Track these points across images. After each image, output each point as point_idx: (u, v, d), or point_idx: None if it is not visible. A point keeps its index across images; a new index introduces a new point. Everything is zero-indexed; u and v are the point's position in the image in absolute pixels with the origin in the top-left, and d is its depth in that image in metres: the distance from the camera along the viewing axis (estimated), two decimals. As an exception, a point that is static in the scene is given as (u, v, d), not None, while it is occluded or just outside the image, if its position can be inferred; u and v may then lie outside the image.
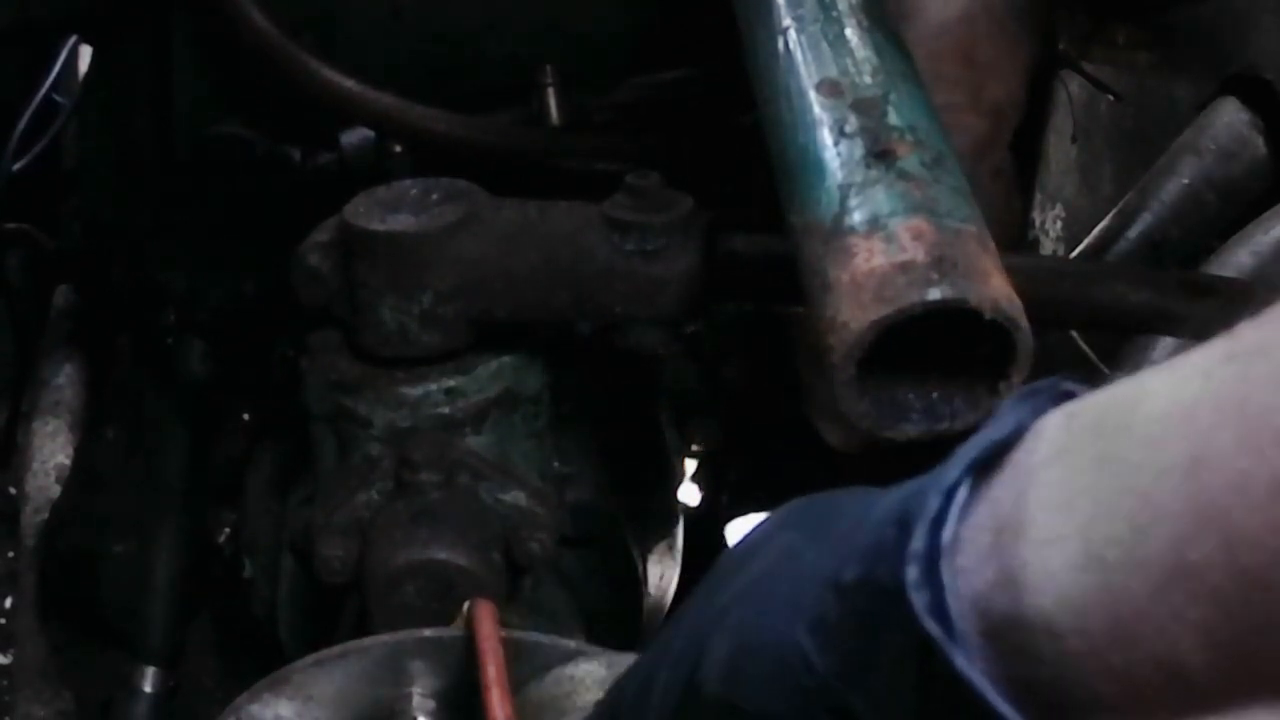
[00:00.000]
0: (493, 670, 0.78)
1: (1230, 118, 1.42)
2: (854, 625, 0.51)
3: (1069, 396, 0.49)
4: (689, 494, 1.40)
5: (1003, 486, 0.48)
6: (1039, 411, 0.49)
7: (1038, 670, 0.45)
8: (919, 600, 0.47)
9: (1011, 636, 0.45)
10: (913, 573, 0.47)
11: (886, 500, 0.53)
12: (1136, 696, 0.43)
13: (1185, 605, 0.41)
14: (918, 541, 0.48)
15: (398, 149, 1.18)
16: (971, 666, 0.46)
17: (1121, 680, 0.43)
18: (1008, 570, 0.46)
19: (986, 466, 0.49)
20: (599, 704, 0.71)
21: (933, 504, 0.48)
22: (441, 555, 0.97)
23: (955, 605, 0.47)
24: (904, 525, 0.49)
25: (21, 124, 1.56)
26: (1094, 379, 0.49)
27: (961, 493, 0.48)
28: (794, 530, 0.60)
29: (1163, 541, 0.42)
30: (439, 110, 1.16)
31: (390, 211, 1.01)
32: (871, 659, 0.50)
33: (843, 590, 0.52)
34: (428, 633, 0.86)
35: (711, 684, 0.57)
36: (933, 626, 0.46)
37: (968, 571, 0.47)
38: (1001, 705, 0.45)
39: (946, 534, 0.48)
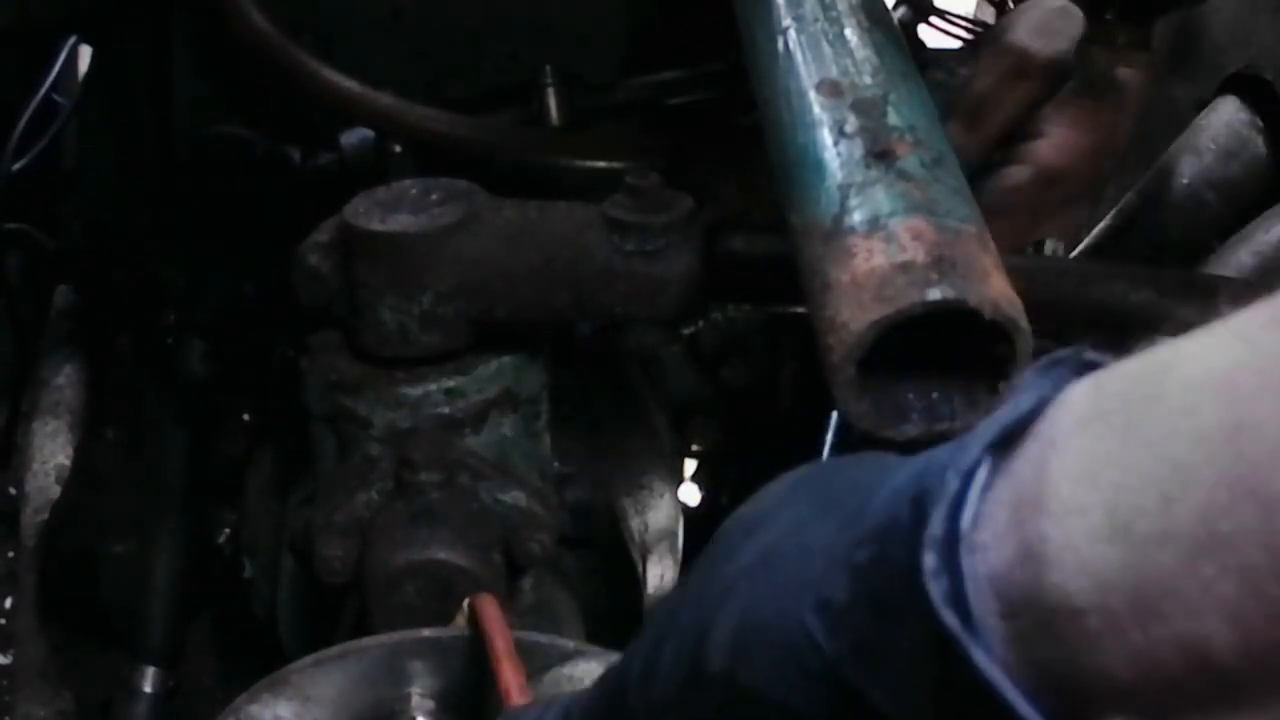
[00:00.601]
0: (501, 644, 0.78)
1: (1230, 118, 1.42)
2: (867, 609, 0.49)
3: (1093, 367, 0.47)
4: (689, 494, 1.40)
5: (1023, 459, 0.45)
6: (1062, 383, 0.46)
7: (1057, 653, 0.43)
8: (936, 589, 0.45)
9: (1030, 616, 0.43)
10: (930, 560, 0.45)
11: (900, 474, 0.50)
12: (1158, 685, 0.41)
13: (1215, 580, 0.39)
14: (935, 526, 0.45)
15: (398, 149, 1.18)
16: (990, 662, 0.44)
17: (1143, 664, 0.41)
18: (1026, 545, 0.43)
19: (1007, 442, 0.46)
20: (603, 678, 0.68)
21: (951, 485, 0.46)
22: (441, 555, 0.97)
23: (973, 588, 0.44)
24: (919, 505, 0.47)
25: (21, 124, 1.56)
26: (1117, 351, 0.48)
27: (982, 473, 0.46)
28: (801, 501, 0.57)
29: (1194, 512, 0.39)
30: (439, 110, 1.16)
31: (390, 212, 1.01)
32: (887, 645, 0.48)
33: (856, 571, 0.50)
34: (427, 633, 0.86)
35: (716, 661, 0.55)
36: (950, 618, 0.44)
37: (985, 549, 0.45)
38: (1022, 705, 0.43)
39: (966, 518, 0.45)
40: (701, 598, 0.59)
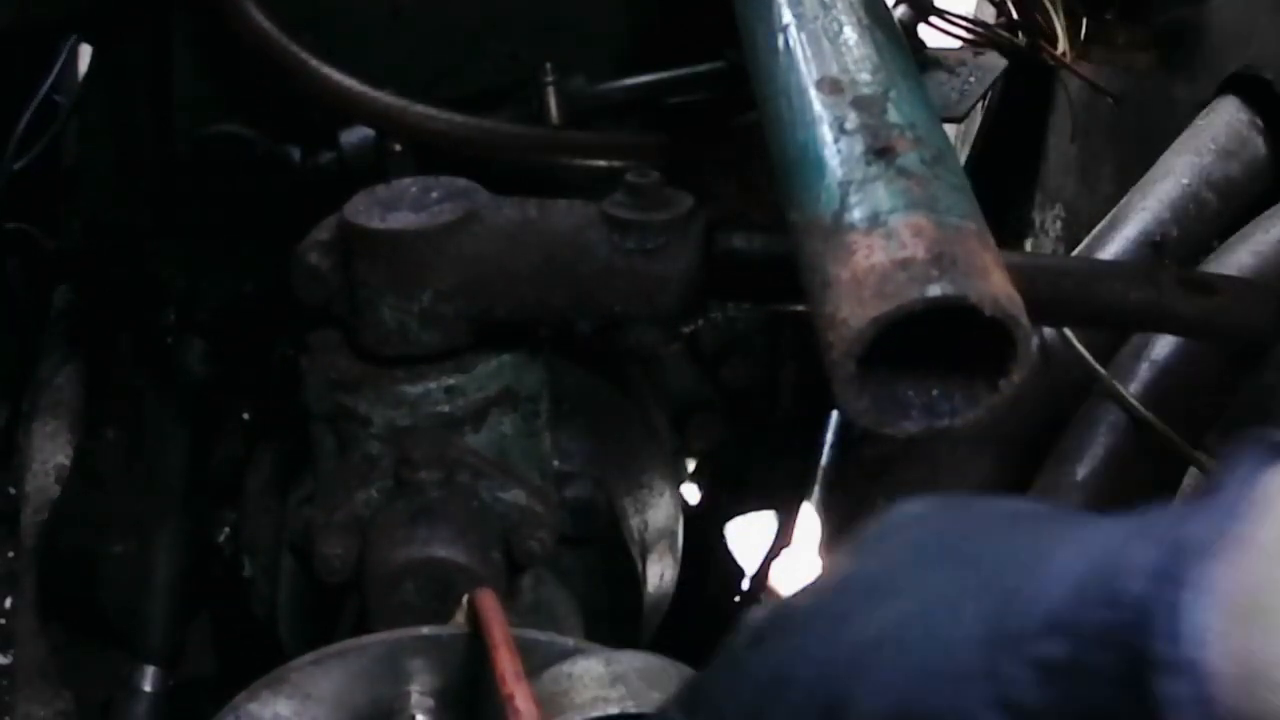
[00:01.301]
0: (497, 632, 0.78)
1: (1230, 118, 1.42)
2: (1072, 713, 0.48)
3: None
4: (689, 494, 1.40)
5: (1239, 569, 0.44)
6: (1258, 473, 0.45)
7: None
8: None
9: None
10: (1171, 687, 0.44)
11: (1063, 554, 0.49)
12: None
13: None
14: (1164, 650, 0.44)
15: (398, 148, 1.18)
16: None
17: None
18: (1251, 664, 0.42)
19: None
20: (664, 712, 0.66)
21: (1173, 603, 0.44)
22: (441, 553, 0.97)
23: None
24: (1130, 615, 0.45)
25: (21, 124, 1.56)
26: None
27: (1198, 588, 0.44)
28: (937, 568, 0.55)
29: None
30: (439, 109, 1.16)
31: (390, 210, 1.01)
32: None
33: (1043, 668, 0.48)
34: (426, 631, 0.85)
35: None
36: None
37: (1203, 661, 0.44)
38: None
39: (1195, 640, 0.44)
40: (828, 658, 0.56)
